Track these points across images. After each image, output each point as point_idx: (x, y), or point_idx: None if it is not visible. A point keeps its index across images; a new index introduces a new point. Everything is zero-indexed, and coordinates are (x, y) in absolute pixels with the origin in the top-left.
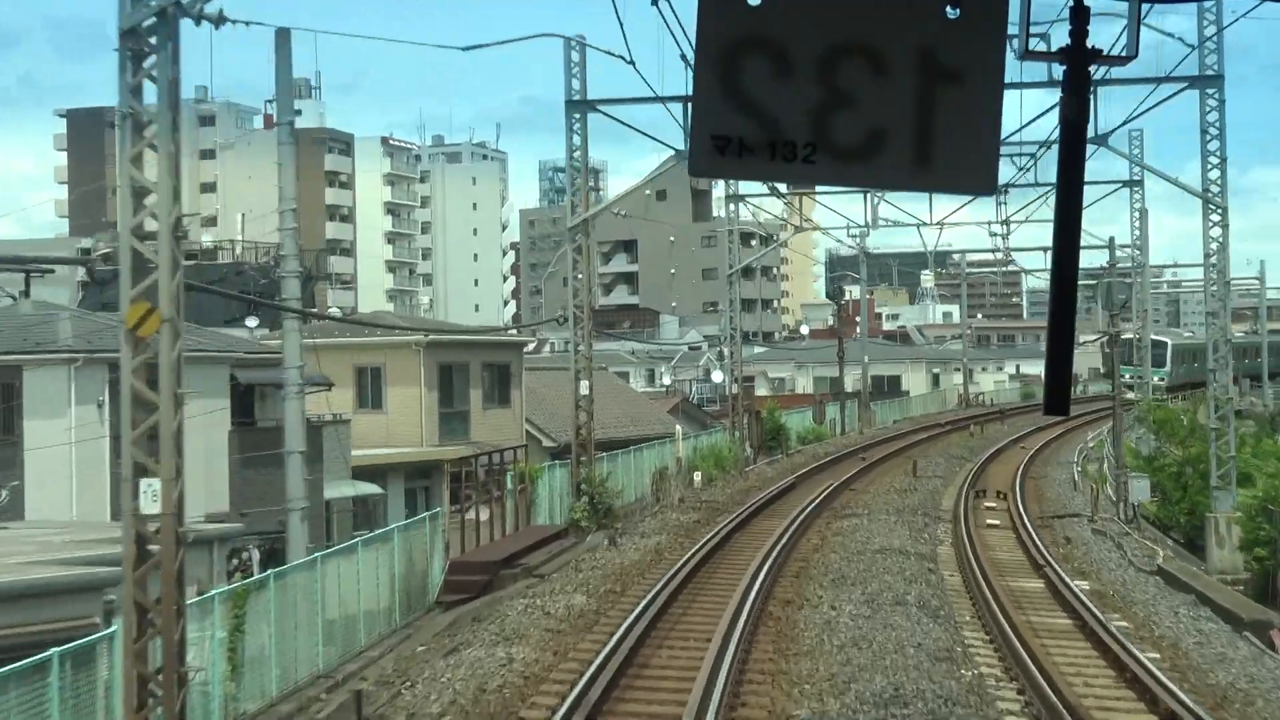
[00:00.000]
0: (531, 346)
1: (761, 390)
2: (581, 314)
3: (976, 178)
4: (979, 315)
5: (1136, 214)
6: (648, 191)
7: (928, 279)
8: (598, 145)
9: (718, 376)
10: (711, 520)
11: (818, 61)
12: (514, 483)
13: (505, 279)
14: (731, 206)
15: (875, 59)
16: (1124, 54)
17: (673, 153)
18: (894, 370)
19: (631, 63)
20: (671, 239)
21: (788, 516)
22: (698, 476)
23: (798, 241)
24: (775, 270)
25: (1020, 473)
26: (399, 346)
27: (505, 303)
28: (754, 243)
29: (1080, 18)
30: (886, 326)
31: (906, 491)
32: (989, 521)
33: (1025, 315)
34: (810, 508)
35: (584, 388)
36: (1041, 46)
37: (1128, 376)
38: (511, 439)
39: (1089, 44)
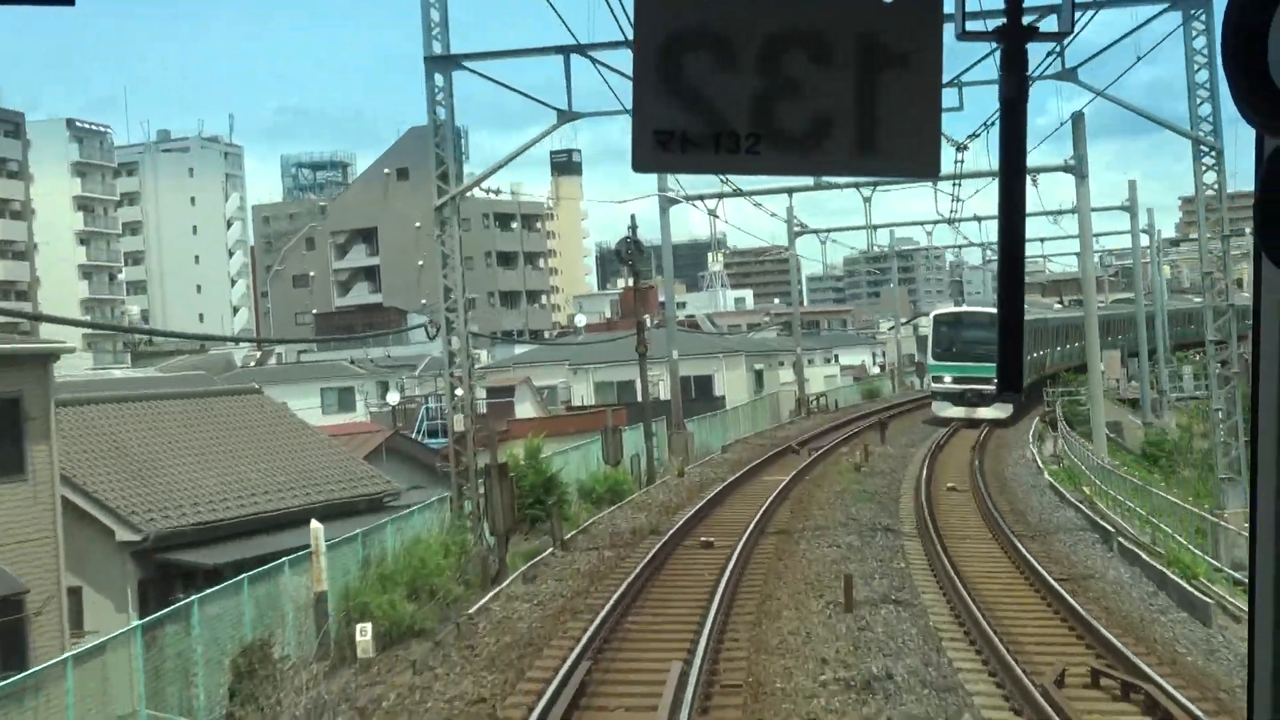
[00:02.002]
0: (256, 357)
1: (525, 408)
2: None
3: (920, 162)
4: (775, 300)
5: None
6: (387, 171)
7: (715, 262)
8: (343, 141)
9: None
10: None
11: (759, 51)
12: None
13: (234, 283)
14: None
15: (816, 47)
16: (1059, 30)
17: None
18: (704, 368)
19: None
20: (418, 224)
21: None
22: (364, 639)
23: (567, 230)
24: (543, 260)
25: (1034, 565)
26: None
27: (235, 310)
28: (514, 225)
29: None
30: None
31: (860, 685)
32: None
33: (805, 302)
34: None
35: None
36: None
37: (948, 379)
38: (30, 535)
39: (1024, 22)
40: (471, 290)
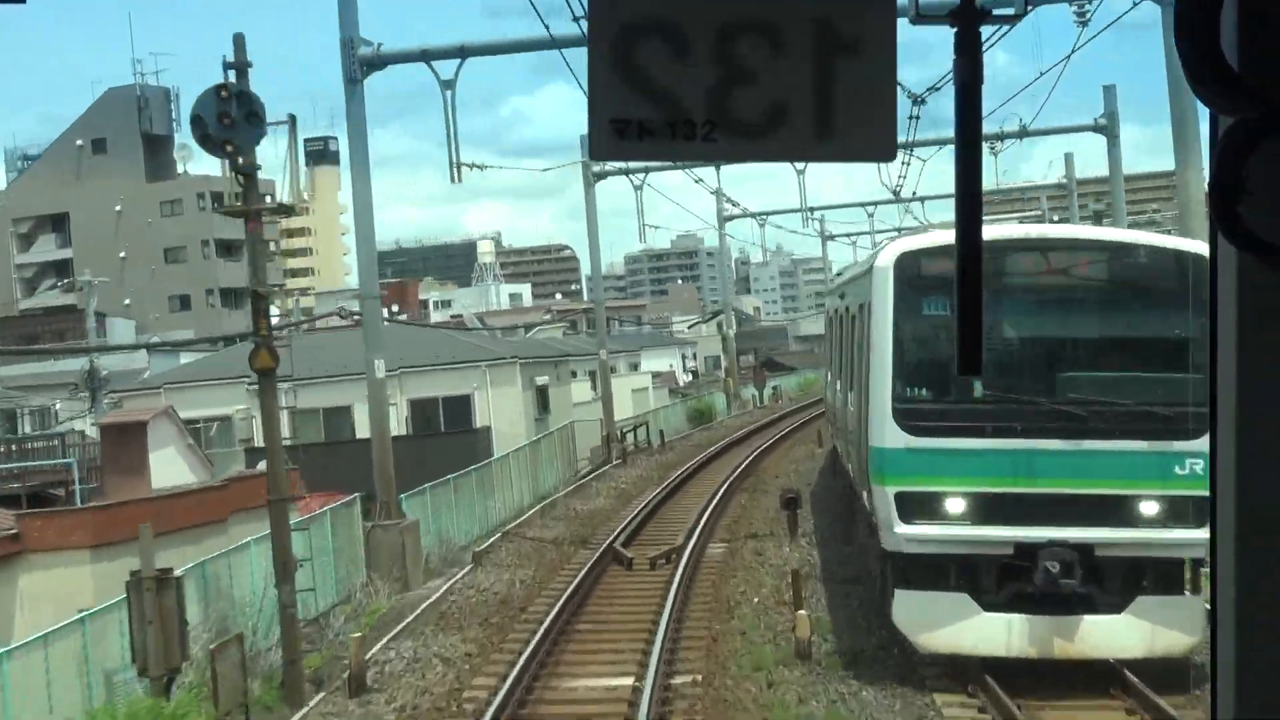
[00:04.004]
0: None
1: (167, 456)
2: None
3: (877, 146)
4: (557, 295)
5: None
6: (80, 143)
7: (486, 252)
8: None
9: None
10: None
11: (713, 40)
12: None
13: None
14: None
15: (771, 34)
16: (1013, 12)
17: None
18: (456, 386)
19: None
20: (118, 208)
21: None
22: None
23: (324, 224)
24: (275, 245)
25: None
26: None
27: None
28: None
29: None
30: (437, 316)
31: None
32: None
33: (584, 297)
34: None
35: None
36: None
37: (963, 504)
38: None
39: (978, 4)
40: (186, 286)
